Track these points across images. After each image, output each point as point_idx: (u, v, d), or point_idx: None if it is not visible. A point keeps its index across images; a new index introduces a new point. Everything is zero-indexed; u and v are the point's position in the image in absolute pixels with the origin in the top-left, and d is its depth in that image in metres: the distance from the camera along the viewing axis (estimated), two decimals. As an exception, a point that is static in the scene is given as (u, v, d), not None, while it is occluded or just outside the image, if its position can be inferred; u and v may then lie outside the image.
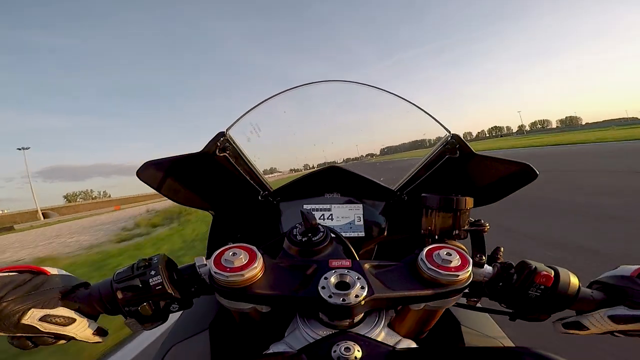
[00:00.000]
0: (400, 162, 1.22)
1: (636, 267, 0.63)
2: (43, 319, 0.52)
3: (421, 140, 1.23)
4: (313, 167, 1.23)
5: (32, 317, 0.51)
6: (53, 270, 0.57)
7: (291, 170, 1.13)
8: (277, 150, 1.25)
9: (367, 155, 1.44)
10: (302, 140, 1.31)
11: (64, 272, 0.59)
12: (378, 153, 1.50)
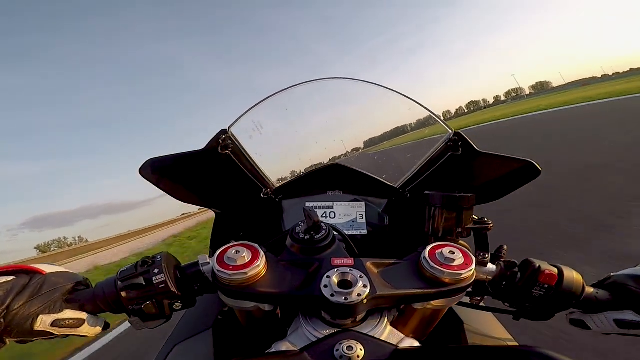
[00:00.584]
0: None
1: None
2: (54, 324, 0.53)
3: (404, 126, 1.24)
4: (301, 173, 1.22)
5: (44, 323, 0.52)
6: (48, 268, 0.56)
7: (278, 180, 1.13)
8: (280, 147, 1.25)
9: (352, 150, 1.43)
10: (304, 138, 1.30)
11: (59, 269, 0.59)
12: (362, 146, 1.50)
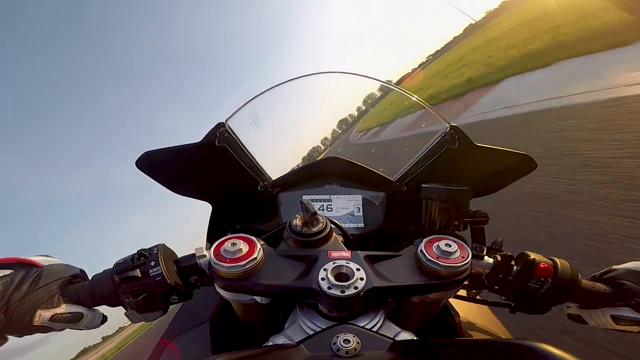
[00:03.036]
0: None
1: None
2: (53, 318, 0.52)
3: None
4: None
5: (42, 318, 0.51)
6: (43, 261, 0.56)
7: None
8: (277, 140, 1.25)
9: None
10: (301, 131, 1.30)
11: (54, 261, 0.58)
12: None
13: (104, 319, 0.61)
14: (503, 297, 0.69)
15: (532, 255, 0.65)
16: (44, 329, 0.53)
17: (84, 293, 0.56)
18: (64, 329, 0.55)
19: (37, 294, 0.51)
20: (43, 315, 0.51)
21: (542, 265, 0.63)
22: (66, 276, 0.57)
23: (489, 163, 0.89)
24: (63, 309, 0.53)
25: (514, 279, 0.65)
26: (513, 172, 0.87)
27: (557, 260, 0.65)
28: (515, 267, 0.66)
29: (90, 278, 0.60)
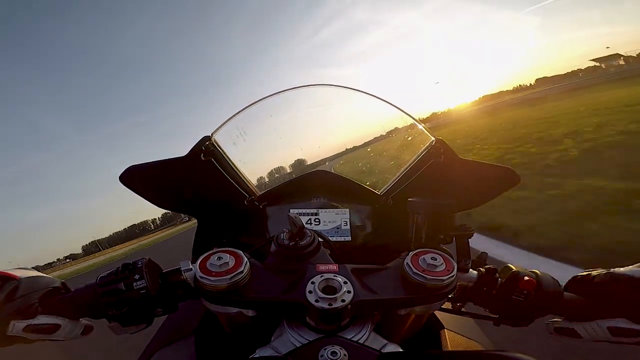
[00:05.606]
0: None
1: None
2: (27, 329, 0.51)
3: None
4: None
5: (16, 328, 0.50)
6: (21, 273, 0.55)
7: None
8: (264, 154, 1.25)
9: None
10: (288, 144, 1.31)
11: (34, 274, 0.57)
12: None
13: (87, 329, 0.60)
14: (487, 310, 0.70)
15: (516, 269, 0.66)
16: (19, 339, 0.52)
17: (65, 305, 0.56)
18: (38, 340, 0.54)
19: (12, 305, 0.50)
20: (17, 326, 0.50)
21: (525, 278, 0.64)
22: (44, 289, 0.56)
23: (473, 177, 0.90)
24: (38, 320, 0.53)
25: (498, 292, 0.66)
26: (497, 186, 0.89)
27: (539, 273, 0.66)
28: (499, 280, 0.67)
29: (72, 290, 0.59)
